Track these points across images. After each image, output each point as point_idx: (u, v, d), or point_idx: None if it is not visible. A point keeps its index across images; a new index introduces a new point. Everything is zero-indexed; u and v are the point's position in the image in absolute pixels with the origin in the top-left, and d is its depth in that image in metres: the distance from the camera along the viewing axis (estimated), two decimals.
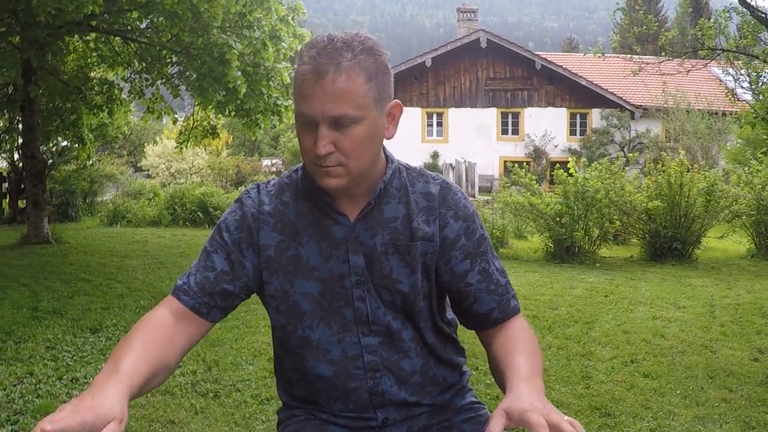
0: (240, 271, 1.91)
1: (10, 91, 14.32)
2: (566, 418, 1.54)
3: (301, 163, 1.98)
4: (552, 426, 1.51)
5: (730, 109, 25.13)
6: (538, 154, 32.66)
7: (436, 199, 1.95)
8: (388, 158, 1.96)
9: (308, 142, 1.78)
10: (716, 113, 28.11)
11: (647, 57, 17.33)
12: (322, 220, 1.92)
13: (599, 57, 15.93)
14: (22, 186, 16.23)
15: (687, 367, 6.35)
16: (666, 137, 31.19)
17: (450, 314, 2.09)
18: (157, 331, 1.79)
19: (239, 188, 23.45)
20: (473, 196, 25.30)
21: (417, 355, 1.98)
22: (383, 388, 1.95)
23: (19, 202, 16.98)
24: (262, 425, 4.99)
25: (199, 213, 18.35)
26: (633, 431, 4.91)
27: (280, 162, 34.97)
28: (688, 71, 13.40)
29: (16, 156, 17.16)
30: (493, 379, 2.06)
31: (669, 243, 13.57)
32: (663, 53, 13.60)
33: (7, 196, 17.59)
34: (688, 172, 13.51)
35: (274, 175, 25.03)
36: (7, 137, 16.31)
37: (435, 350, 2.01)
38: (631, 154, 19.98)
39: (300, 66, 1.75)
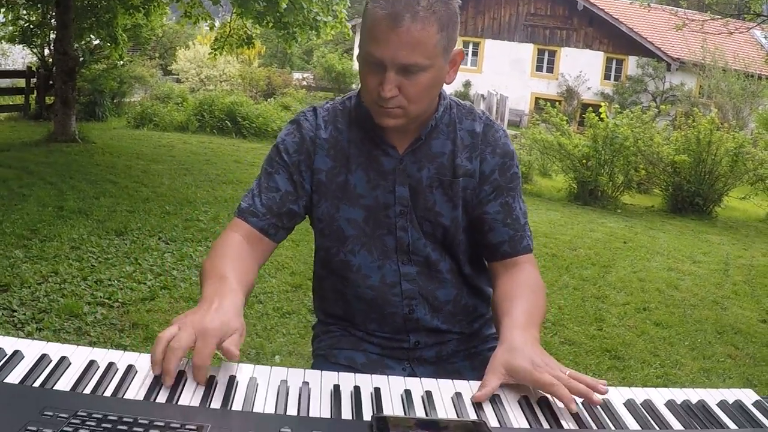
0: (302, 192, 1.97)
1: None
2: (568, 371, 1.58)
3: (355, 91, 2.03)
4: (568, 385, 1.54)
5: (767, 74, 24.77)
6: (570, 94, 32.42)
7: (479, 137, 1.99)
8: (441, 95, 1.99)
9: (373, 82, 1.80)
10: (752, 76, 27.67)
11: (691, 12, 17.08)
12: (372, 150, 1.97)
13: (644, 6, 15.69)
14: (50, 82, 16.20)
15: (697, 320, 6.49)
16: (699, 93, 30.77)
17: None
18: (238, 252, 1.85)
19: (269, 100, 23.28)
20: None
21: (452, 285, 2.05)
22: (418, 315, 2.03)
23: (47, 98, 16.96)
24: (283, 338, 5.14)
25: (227, 121, 18.21)
26: (640, 376, 5.03)
27: (311, 77, 34.72)
28: (731, 33, 13.22)
29: (46, 52, 17.08)
30: None
31: (691, 197, 13.59)
32: (709, 12, 13.39)
33: (35, 92, 17.54)
34: (717, 130, 13.45)
35: (304, 90, 24.42)
36: (38, 32, 16.20)
37: (470, 281, 2.09)
38: (663, 106, 19.74)
39: (374, 6, 1.74)
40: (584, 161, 13.41)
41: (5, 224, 7.06)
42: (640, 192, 15.17)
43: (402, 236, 1.99)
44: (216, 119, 18.34)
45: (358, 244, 2.00)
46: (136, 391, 1.41)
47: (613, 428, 1.46)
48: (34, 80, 17.43)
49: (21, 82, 18.06)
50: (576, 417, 1.48)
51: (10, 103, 17.86)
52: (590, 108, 15.57)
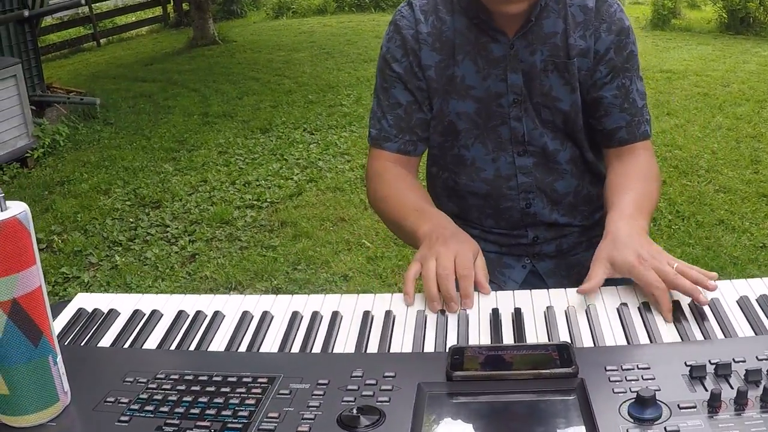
0: (422, 96, 1.87)
1: None
2: (676, 265, 1.41)
3: None
4: (673, 284, 1.39)
5: None
6: None
7: (592, 12, 1.80)
8: None
9: None
10: None
11: None
12: (480, 37, 1.81)
13: None
14: None
15: None
16: None
17: None
18: (402, 177, 1.87)
19: None
20: None
21: (572, 176, 1.91)
22: (535, 210, 1.91)
23: (184, 4, 17.13)
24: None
25: None
26: None
27: None
28: None
29: None
30: None
31: None
32: None
33: (171, 0, 17.76)
34: None
35: None
36: None
37: (593, 168, 1.95)
38: None
39: None
40: None
41: (153, 139, 7.23)
42: None
43: (516, 126, 1.84)
44: None
45: (471, 137, 1.88)
46: (219, 342, 1.38)
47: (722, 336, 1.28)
48: None
49: None
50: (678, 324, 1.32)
51: (150, 15, 18.12)
52: None
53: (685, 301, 1.38)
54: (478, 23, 1.80)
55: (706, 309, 1.35)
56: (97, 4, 16.40)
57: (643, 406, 1.03)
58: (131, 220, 5.36)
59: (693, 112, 7.31)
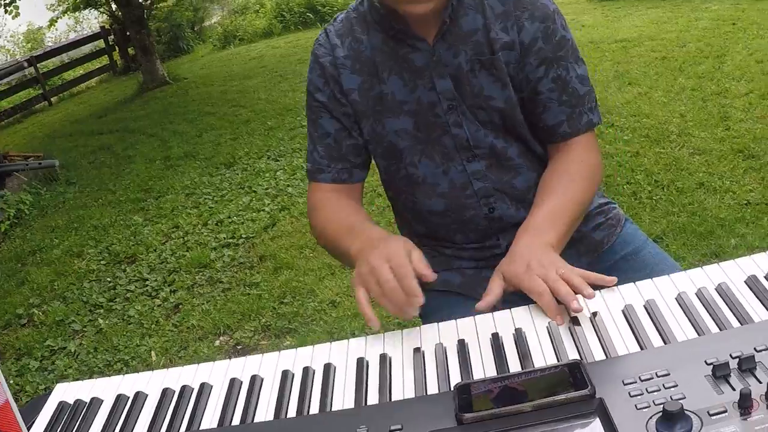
0: (349, 121, 1.80)
1: None
2: (562, 272, 1.40)
3: None
4: (551, 288, 1.37)
5: None
6: None
7: (511, 2, 1.70)
8: None
9: None
10: None
11: None
12: (400, 49, 1.73)
13: None
14: (127, 33, 16.25)
15: None
16: None
17: None
18: (337, 204, 1.81)
19: None
20: None
21: (528, 169, 1.81)
22: (500, 213, 1.81)
23: (129, 50, 17.04)
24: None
25: (308, 14, 17.96)
26: None
27: None
28: None
29: (113, 6, 17.10)
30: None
31: None
32: None
33: (116, 48, 17.66)
34: None
35: None
36: None
37: (545, 158, 1.84)
38: None
39: None
40: None
41: (119, 192, 7.14)
42: None
43: (458, 133, 1.74)
44: (297, 15, 18.10)
45: (416, 153, 1.79)
46: (210, 418, 1.30)
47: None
48: (111, 38, 17.51)
49: (101, 43, 18.15)
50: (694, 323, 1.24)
51: (98, 65, 18.03)
52: None
53: (691, 291, 1.30)
54: (395, 35, 1.72)
55: (715, 295, 1.28)
56: (42, 63, 16.30)
57: (671, 420, 0.96)
58: (108, 279, 5.24)
59: (654, 78, 7.27)
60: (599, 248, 1.90)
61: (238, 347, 4.01)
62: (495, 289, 1.48)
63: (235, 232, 5.56)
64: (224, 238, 5.51)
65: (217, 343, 4.10)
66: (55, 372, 4.11)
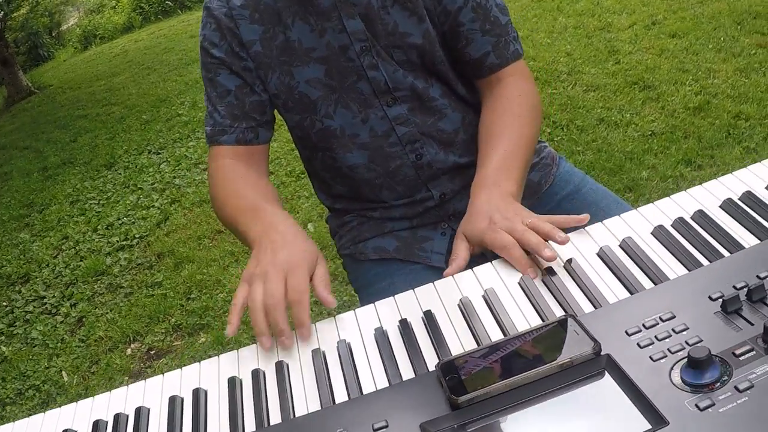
0: (251, 76, 1.63)
1: None
2: (529, 221, 1.29)
3: None
4: (520, 240, 1.26)
5: None
6: None
7: None
8: None
9: None
10: None
11: None
12: None
13: None
14: None
15: (711, 17, 6.01)
16: None
17: None
18: (241, 175, 1.63)
19: None
20: None
21: (453, 110, 1.68)
22: (429, 158, 1.67)
23: None
24: (306, 201, 4.87)
25: (167, 2, 17.48)
26: (677, 99, 4.70)
27: None
28: None
29: None
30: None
31: None
32: None
33: None
34: None
35: None
36: None
37: (470, 101, 1.72)
38: None
39: None
40: None
41: (1, 211, 6.75)
42: None
43: (375, 76, 1.59)
44: (156, 4, 17.63)
45: (330, 104, 1.63)
46: None
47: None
48: None
49: None
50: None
51: None
52: None
53: (667, 222, 1.20)
54: None
55: (694, 224, 1.17)
56: None
57: (699, 368, 0.84)
58: (4, 303, 4.93)
59: (533, 20, 7.22)
60: (538, 190, 1.79)
61: (152, 352, 3.81)
62: (461, 252, 1.36)
63: (127, 233, 5.32)
64: (117, 241, 5.26)
65: (129, 351, 3.89)
66: None
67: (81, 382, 3.72)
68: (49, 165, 7.67)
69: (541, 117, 1.64)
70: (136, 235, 5.24)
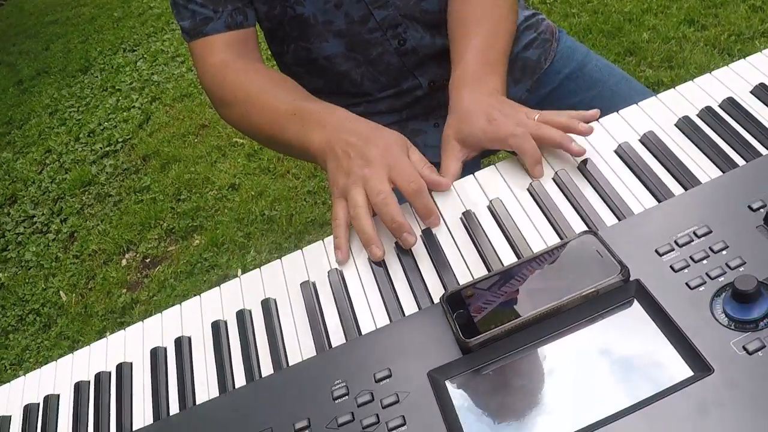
0: None
1: None
2: (537, 116, 1.11)
3: None
4: (536, 136, 1.08)
5: None
6: None
7: None
8: None
9: None
10: None
11: None
12: None
13: None
14: None
15: None
16: None
17: None
18: (260, 76, 1.39)
19: None
20: None
21: None
22: (413, 43, 1.50)
23: None
24: None
25: None
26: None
27: None
28: None
29: None
30: None
31: None
32: None
33: None
34: None
35: None
36: None
37: None
38: None
39: None
40: None
41: None
42: None
43: None
44: None
45: None
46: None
47: None
48: None
49: None
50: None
51: None
52: None
53: (693, 112, 1.05)
54: None
55: (725, 115, 1.02)
56: None
57: (746, 301, 0.71)
58: None
59: None
60: (537, 69, 1.61)
61: (147, 260, 3.72)
62: (452, 164, 1.17)
63: (110, 138, 5.17)
64: (101, 148, 5.11)
65: (124, 262, 3.80)
66: None
67: (80, 300, 3.64)
68: (24, 77, 7.44)
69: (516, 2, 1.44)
70: (119, 139, 5.09)
